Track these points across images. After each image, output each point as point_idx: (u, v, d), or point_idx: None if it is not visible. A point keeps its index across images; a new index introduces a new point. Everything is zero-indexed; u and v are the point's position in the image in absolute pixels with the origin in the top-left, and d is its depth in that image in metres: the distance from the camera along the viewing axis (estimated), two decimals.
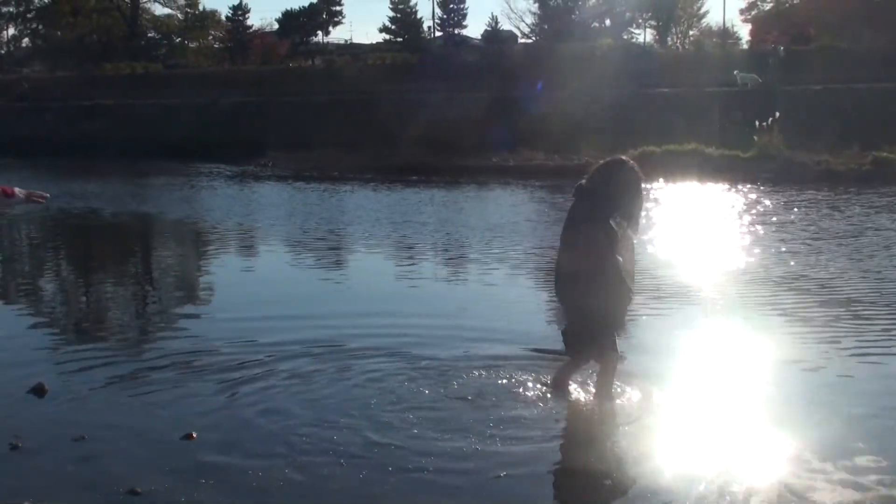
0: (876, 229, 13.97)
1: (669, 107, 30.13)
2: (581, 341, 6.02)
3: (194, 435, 5.52)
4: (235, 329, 8.25)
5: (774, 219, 15.50)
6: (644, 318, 8.23)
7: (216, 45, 73.54)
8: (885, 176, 21.46)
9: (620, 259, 5.79)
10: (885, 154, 23.18)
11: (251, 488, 4.86)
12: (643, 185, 5.88)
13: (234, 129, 35.61)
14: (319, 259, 12.86)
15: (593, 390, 6.13)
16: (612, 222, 5.72)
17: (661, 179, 20.64)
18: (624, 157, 6.00)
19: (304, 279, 11.49)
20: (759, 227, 14.45)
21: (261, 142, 32.17)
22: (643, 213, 5.97)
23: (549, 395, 6.20)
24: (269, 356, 7.20)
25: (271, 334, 7.93)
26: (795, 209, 16.83)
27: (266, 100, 39.67)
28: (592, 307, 5.82)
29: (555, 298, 6.32)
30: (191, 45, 72.97)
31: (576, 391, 6.25)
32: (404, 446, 5.41)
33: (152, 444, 5.47)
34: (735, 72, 33.80)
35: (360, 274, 11.97)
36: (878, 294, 9.46)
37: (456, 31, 70.86)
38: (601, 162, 6.01)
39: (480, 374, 6.72)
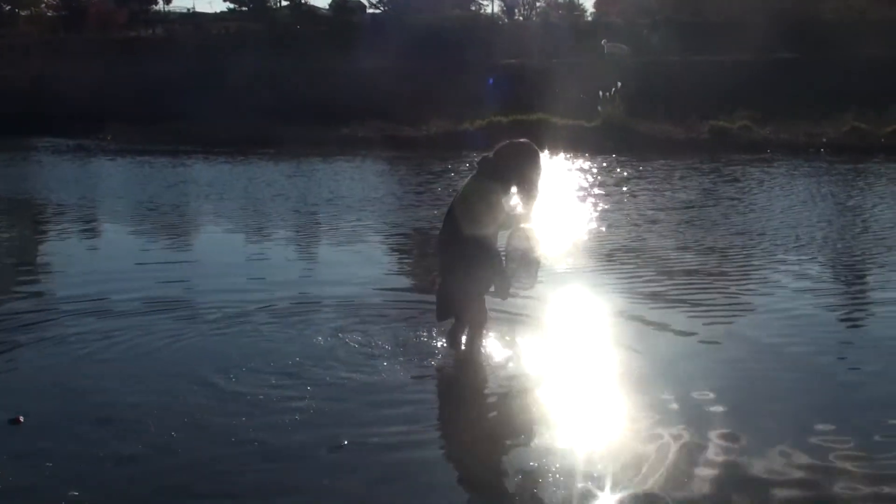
0: (716, 199, 14.43)
1: (517, 77, 30.44)
2: (452, 303, 6.19)
3: (22, 419, 5.17)
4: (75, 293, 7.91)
5: (614, 189, 15.84)
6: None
7: (49, 14, 69.93)
8: (722, 144, 22.31)
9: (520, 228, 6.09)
10: (721, 123, 24.10)
11: (78, 473, 4.56)
12: (542, 168, 6.07)
13: (72, 102, 33.90)
14: (156, 232, 12.34)
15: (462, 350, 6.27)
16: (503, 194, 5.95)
17: None
18: (528, 140, 6.18)
19: (138, 254, 10.89)
20: (599, 198, 14.73)
21: (100, 114, 30.78)
22: (539, 195, 6.09)
23: (399, 357, 6.20)
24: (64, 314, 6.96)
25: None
26: (636, 178, 17.25)
27: (105, 70, 37.97)
28: (463, 273, 6.00)
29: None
30: (21, 13, 69.16)
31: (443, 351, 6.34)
32: (236, 407, 5.27)
33: None
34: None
35: (200, 245, 11.64)
36: (715, 265, 9.70)
37: (302, 1, 69.60)
38: (507, 141, 6.14)
39: (326, 339, 6.69)
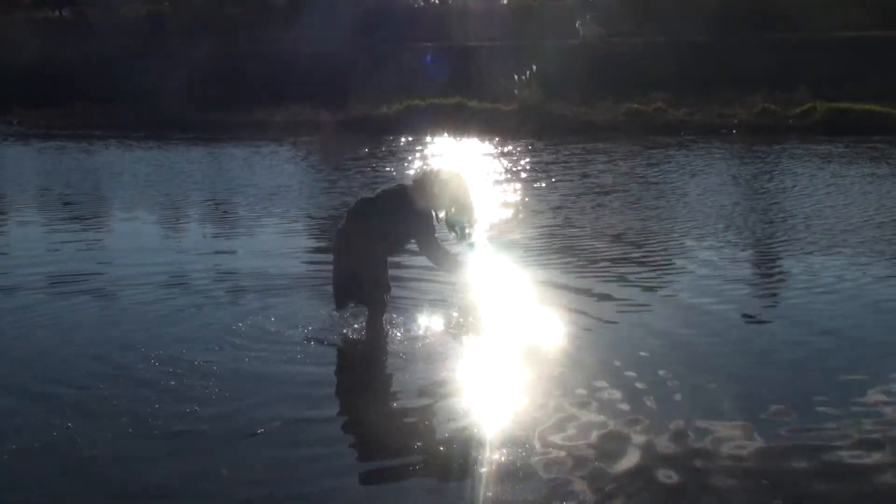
0: (632, 183, 14.51)
1: (437, 60, 30.32)
2: (350, 294, 6.27)
3: None
4: None
5: (530, 174, 15.84)
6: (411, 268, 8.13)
7: None
8: (638, 127, 22.50)
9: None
10: (636, 105, 24.31)
11: None
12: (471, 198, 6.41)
13: None
14: (54, 218, 12.04)
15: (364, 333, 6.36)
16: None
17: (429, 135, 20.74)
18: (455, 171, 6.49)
19: (33, 240, 10.66)
20: (514, 183, 14.72)
21: (6, 97, 29.87)
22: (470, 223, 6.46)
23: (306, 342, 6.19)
24: None
25: None
26: (552, 163, 17.27)
27: (10, 53, 36.69)
28: (364, 272, 6.13)
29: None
30: None
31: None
32: (143, 395, 5.13)
33: None
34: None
35: (100, 231, 11.49)
36: (628, 251, 9.71)
37: None
38: (441, 168, 6.45)
39: (228, 323, 6.64)
